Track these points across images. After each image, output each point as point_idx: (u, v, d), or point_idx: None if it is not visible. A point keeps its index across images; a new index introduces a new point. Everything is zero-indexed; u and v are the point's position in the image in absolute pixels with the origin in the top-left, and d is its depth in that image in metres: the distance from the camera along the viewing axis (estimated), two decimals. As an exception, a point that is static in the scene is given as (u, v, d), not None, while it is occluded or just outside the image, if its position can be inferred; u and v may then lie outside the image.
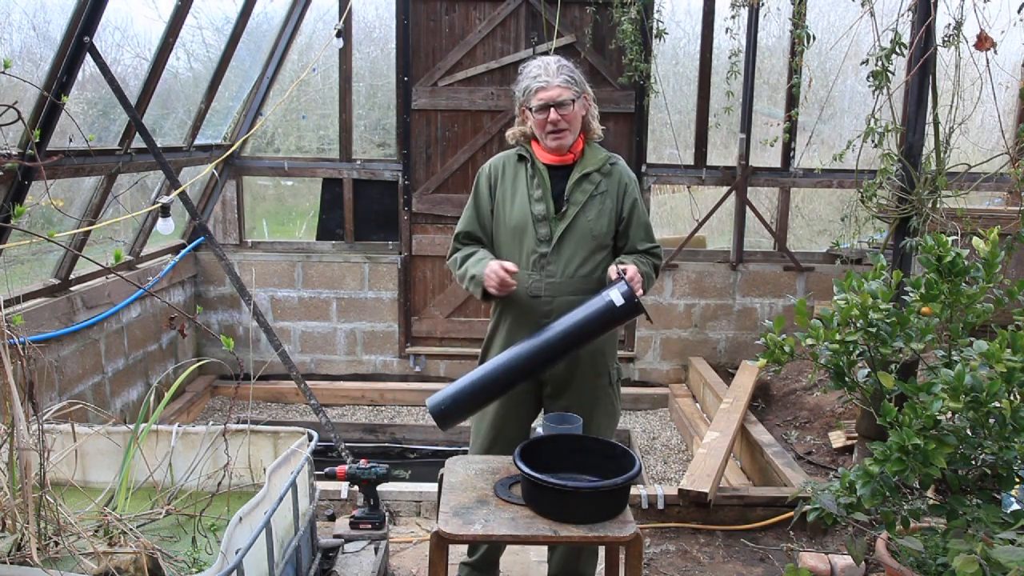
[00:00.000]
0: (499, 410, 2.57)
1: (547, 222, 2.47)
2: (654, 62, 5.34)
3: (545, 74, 2.41)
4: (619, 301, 2.17)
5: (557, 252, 2.46)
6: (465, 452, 2.76)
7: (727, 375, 5.44)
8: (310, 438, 2.41)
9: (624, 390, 6.00)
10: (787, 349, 2.21)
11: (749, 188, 5.61)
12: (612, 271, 2.32)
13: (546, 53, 5.23)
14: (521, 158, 2.55)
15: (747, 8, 5.10)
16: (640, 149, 5.53)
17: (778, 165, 5.62)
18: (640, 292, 2.29)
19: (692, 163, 5.64)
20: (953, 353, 2.20)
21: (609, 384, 2.58)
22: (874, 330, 2.14)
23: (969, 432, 2.00)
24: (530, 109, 2.44)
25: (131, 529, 1.86)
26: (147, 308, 4.96)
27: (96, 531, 1.91)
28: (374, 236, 5.77)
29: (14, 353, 1.76)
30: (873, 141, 3.27)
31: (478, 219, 2.59)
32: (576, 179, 2.47)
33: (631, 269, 2.28)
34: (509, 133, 2.58)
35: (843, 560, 2.97)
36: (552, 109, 2.39)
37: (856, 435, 3.86)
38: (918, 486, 2.07)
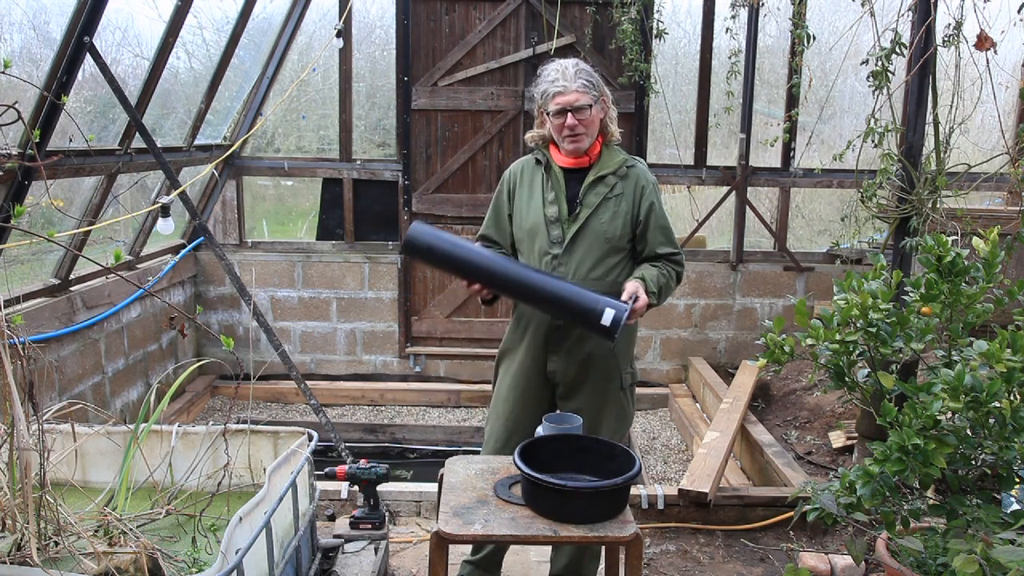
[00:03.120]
0: (512, 410, 2.60)
1: (559, 224, 2.48)
2: (654, 62, 5.34)
3: (563, 78, 2.41)
4: (607, 320, 2.22)
5: (569, 254, 2.47)
6: (466, 452, 2.76)
7: (727, 375, 5.44)
8: (310, 438, 2.41)
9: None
10: (787, 349, 2.21)
11: (749, 188, 5.61)
12: (629, 289, 2.32)
13: (546, 53, 5.25)
14: (538, 162, 2.57)
15: (747, 8, 5.10)
16: (640, 149, 5.52)
17: (778, 165, 5.62)
18: (640, 313, 2.33)
19: (692, 163, 5.64)
20: (953, 353, 2.20)
21: (620, 388, 2.57)
22: (874, 330, 2.14)
23: (969, 432, 2.00)
24: (548, 113, 2.45)
25: (131, 529, 1.86)
26: (147, 308, 4.96)
27: (96, 531, 1.91)
28: (374, 236, 5.77)
29: (14, 353, 1.76)
30: (873, 141, 3.27)
31: (496, 224, 2.65)
32: (590, 181, 2.48)
33: (643, 300, 2.30)
34: (528, 136, 2.59)
35: (843, 560, 2.97)
36: (569, 114, 2.39)
37: (856, 435, 3.86)
38: (918, 486, 2.07)
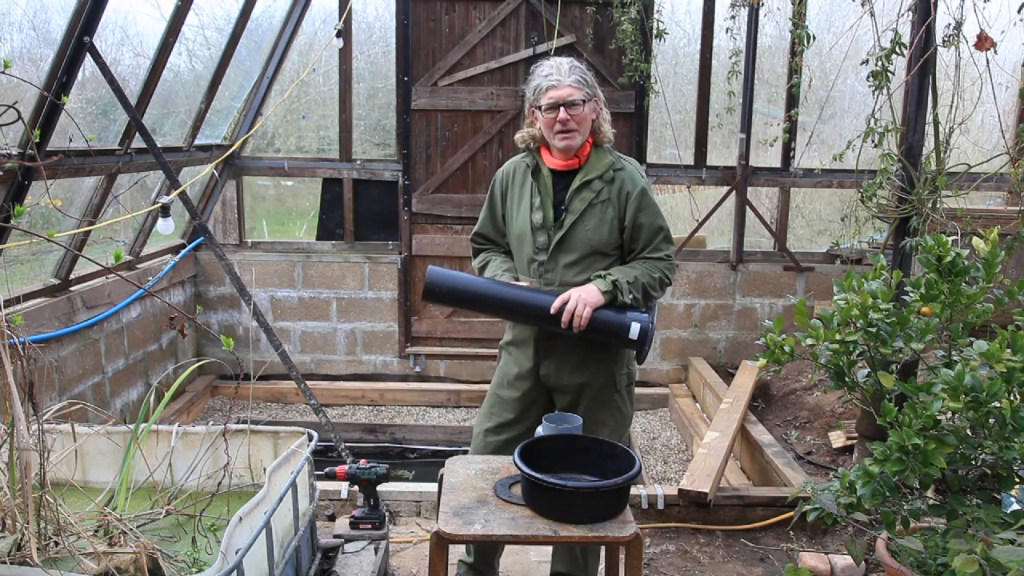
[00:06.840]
0: (503, 413, 2.60)
1: (545, 230, 2.46)
2: (654, 62, 5.34)
3: (557, 73, 2.39)
4: (633, 334, 2.35)
5: (554, 260, 2.46)
6: (465, 452, 2.76)
7: (727, 375, 5.44)
8: (310, 438, 2.41)
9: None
10: (787, 349, 2.21)
11: (749, 188, 5.61)
12: (559, 300, 2.33)
13: (546, 53, 5.25)
14: (528, 166, 2.53)
15: (747, 8, 5.10)
16: (640, 149, 5.52)
17: (778, 165, 5.62)
18: (583, 320, 2.32)
19: (692, 163, 5.64)
20: (953, 353, 2.20)
21: (616, 390, 2.56)
22: (874, 330, 2.14)
23: (969, 432, 2.00)
24: (539, 108, 2.40)
25: (131, 529, 1.86)
26: (147, 308, 4.96)
27: (96, 531, 1.91)
28: (374, 236, 5.77)
29: (14, 353, 1.76)
30: (873, 141, 3.27)
31: (492, 222, 2.63)
32: (576, 187, 2.44)
33: (573, 307, 2.32)
34: (518, 136, 2.53)
35: (843, 560, 2.97)
36: (562, 108, 2.35)
37: (856, 435, 3.86)
38: (918, 486, 2.07)
